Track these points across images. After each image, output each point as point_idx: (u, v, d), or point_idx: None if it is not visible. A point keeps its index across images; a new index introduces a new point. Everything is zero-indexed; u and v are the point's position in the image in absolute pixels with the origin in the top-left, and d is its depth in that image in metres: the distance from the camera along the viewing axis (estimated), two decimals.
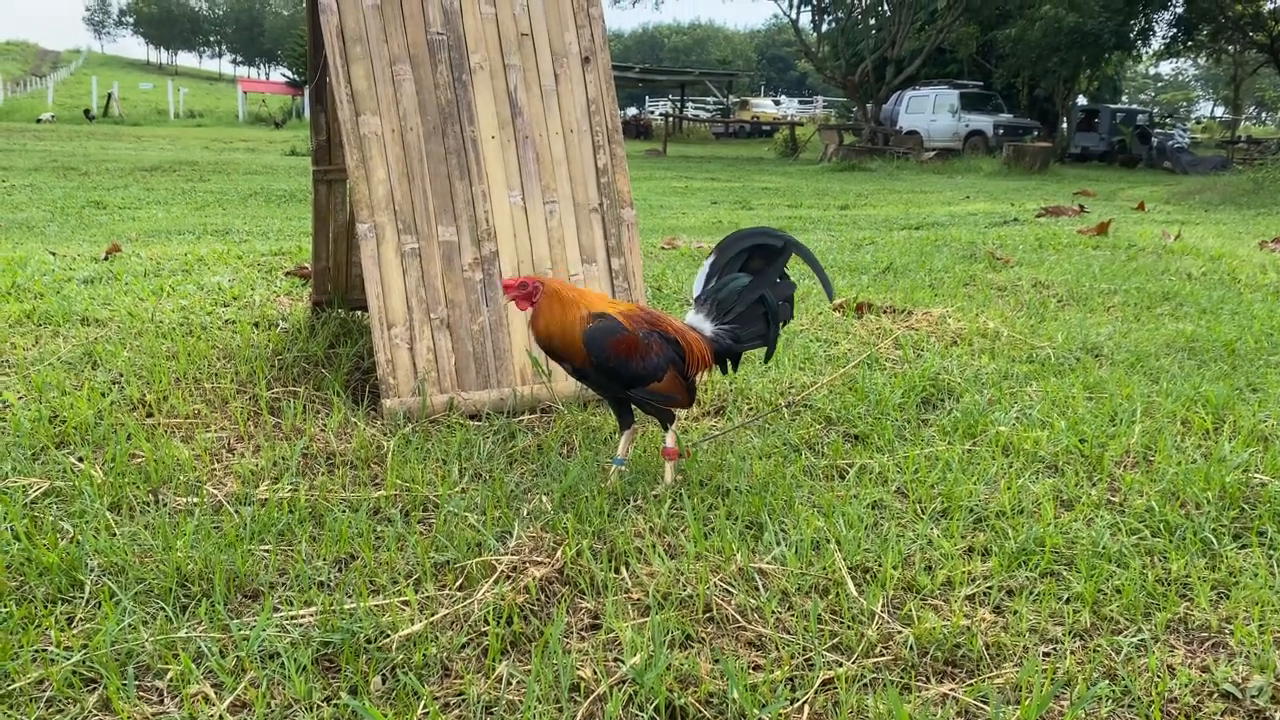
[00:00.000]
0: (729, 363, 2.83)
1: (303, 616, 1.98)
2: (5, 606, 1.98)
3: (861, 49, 35.16)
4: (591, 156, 3.62)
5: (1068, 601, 2.15)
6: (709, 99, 53.19)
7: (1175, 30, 32.73)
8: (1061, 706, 1.80)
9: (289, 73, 61.84)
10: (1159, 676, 1.87)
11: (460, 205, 3.42)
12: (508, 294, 2.61)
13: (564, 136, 3.59)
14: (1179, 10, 31.56)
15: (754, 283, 2.77)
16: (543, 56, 3.57)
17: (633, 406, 2.73)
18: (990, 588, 2.19)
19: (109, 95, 43.40)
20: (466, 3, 3.47)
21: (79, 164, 16.80)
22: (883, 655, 1.93)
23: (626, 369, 2.58)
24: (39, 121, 36.30)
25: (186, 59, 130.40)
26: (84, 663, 1.81)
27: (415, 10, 3.41)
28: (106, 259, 5.84)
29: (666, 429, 2.73)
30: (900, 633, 1.99)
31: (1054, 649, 1.98)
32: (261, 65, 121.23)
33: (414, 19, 3.40)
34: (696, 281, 2.85)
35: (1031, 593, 2.18)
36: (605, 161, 3.64)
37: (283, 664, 1.81)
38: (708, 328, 2.76)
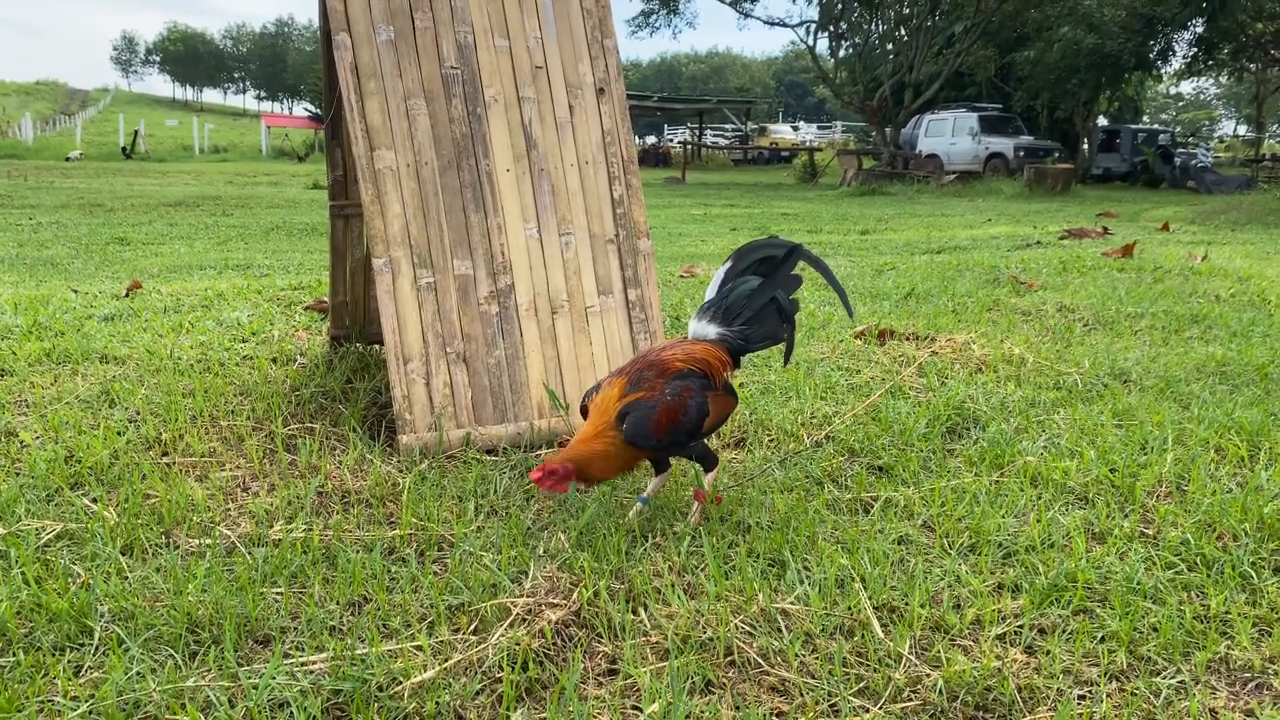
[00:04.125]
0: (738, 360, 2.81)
1: (314, 663, 1.93)
2: (14, 655, 1.95)
3: (879, 74, 35.23)
4: (607, 188, 3.60)
5: (1102, 640, 2.07)
6: (727, 126, 53.42)
7: (1196, 50, 32.54)
8: None
9: (311, 107, 62.66)
10: None
11: (476, 238, 3.40)
12: (543, 487, 2.43)
13: (579, 168, 3.56)
14: (1199, 30, 31.38)
15: (763, 285, 2.75)
16: (557, 89, 3.56)
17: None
18: (1021, 626, 2.11)
19: (136, 133, 44.10)
20: (480, 36, 3.47)
21: (105, 200, 17.01)
22: (911, 700, 1.86)
23: (681, 431, 2.55)
24: (67, 159, 36.91)
25: (211, 95, 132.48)
26: (90, 714, 1.76)
27: (429, 45, 3.41)
28: (127, 296, 5.86)
29: (709, 472, 2.68)
30: (929, 676, 1.92)
31: (1089, 692, 1.90)
32: (285, 100, 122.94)
33: (428, 54, 3.40)
34: (711, 286, 2.82)
35: (1064, 631, 2.10)
36: (621, 193, 3.62)
37: (292, 714, 1.77)
38: (712, 331, 2.73)
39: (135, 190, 20.45)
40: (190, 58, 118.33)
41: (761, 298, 2.74)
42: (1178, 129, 53.41)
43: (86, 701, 1.79)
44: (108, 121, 58.64)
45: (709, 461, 2.69)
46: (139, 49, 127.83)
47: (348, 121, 3.31)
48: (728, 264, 2.81)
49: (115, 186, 21.85)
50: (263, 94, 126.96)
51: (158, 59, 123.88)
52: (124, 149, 41.63)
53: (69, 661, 1.95)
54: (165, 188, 22.01)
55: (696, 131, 49.80)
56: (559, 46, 3.58)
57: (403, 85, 3.36)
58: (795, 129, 58.95)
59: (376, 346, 4.41)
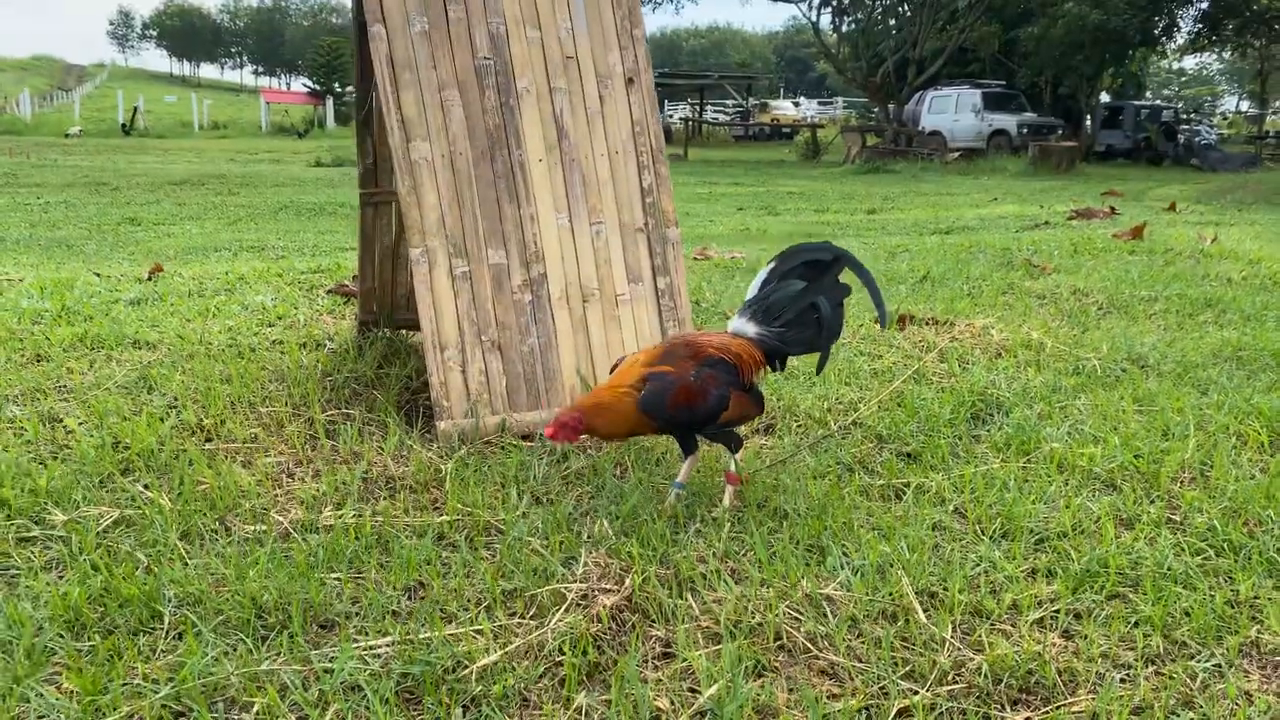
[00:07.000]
0: (776, 362, 2.84)
1: (380, 647, 2.01)
2: (90, 639, 2.02)
3: (882, 49, 35.05)
4: (637, 177, 3.65)
5: (1137, 625, 2.15)
6: (728, 102, 53.15)
7: (1200, 25, 32.39)
8: None
9: (310, 83, 62.29)
10: (1237, 704, 1.87)
11: (509, 228, 3.45)
12: (557, 440, 2.53)
13: (609, 158, 3.61)
14: (1203, 5, 31.25)
15: (806, 289, 2.79)
16: (588, 79, 3.60)
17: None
18: (1057, 611, 2.19)
19: (135, 109, 43.88)
20: (513, 27, 3.51)
21: (110, 179, 17.01)
22: (956, 683, 1.94)
23: (696, 413, 2.60)
24: (67, 136, 36.76)
25: (208, 70, 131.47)
26: (174, 695, 1.84)
27: (463, 36, 3.44)
28: (150, 279, 5.91)
29: (734, 454, 2.75)
30: (972, 659, 2.00)
31: (1128, 675, 1.97)
32: (282, 75, 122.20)
33: (461, 45, 3.44)
34: (752, 285, 2.86)
35: (1100, 616, 2.17)
36: (650, 181, 3.66)
37: (365, 696, 1.84)
38: (751, 329, 2.78)
39: (138, 168, 20.42)
40: (187, 32, 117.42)
41: (803, 301, 2.77)
42: (1180, 105, 53.19)
43: (167, 684, 1.86)
44: (105, 97, 58.27)
45: (732, 443, 2.75)
46: (135, 23, 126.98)
47: (384, 113, 3.35)
48: (772, 264, 2.85)
49: (118, 164, 21.81)
50: (260, 69, 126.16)
51: (154, 33, 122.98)
52: (123, 125, 41.47)
53: (144, 645, 2.02)
54: (168, 165, 21.99)
55: (697, 108, 49.56)
56: (589, 37, 3.61)
57: (437, 76, 3.40)
58: (797, 105, 58.74)
59: (404, 332, 4.46)
